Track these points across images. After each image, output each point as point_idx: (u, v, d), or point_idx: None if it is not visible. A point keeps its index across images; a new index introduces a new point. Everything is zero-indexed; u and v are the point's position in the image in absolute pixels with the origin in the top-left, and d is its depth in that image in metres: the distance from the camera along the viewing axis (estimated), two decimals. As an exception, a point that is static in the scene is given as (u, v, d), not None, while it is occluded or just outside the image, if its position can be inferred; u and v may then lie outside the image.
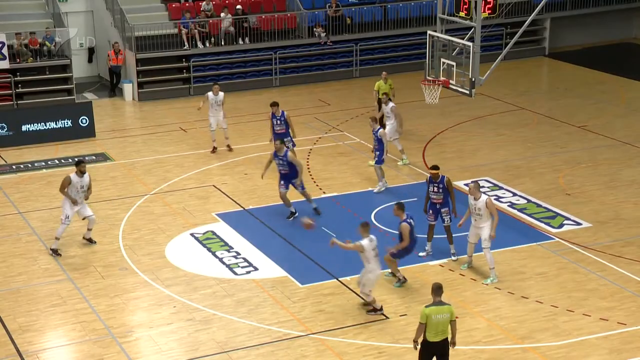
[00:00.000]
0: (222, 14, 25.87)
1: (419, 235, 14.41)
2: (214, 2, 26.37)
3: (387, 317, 13.34)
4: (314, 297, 13.99)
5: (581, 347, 12.48)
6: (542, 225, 16.43)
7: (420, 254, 15.11)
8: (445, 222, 15.05)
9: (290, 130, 18.89)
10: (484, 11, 17.53)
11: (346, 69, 27.13)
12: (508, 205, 17.34)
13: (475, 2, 17.48)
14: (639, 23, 30.60)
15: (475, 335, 12.79)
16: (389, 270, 14.39)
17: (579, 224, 16.46)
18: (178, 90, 25.61)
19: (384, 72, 21.34)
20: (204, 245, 15.89)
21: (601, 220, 16.58)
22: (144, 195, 18.09)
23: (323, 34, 26.55)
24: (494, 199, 17.59)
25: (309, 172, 19.33)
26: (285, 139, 17.90)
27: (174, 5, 26.35)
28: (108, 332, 13.08)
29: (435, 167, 15.14)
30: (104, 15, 26.39)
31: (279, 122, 18.82)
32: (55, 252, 15.44)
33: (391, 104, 19.40)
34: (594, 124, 22.16)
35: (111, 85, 25.71)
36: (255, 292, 14.07)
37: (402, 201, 14.39)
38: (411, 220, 13.80)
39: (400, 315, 13.36)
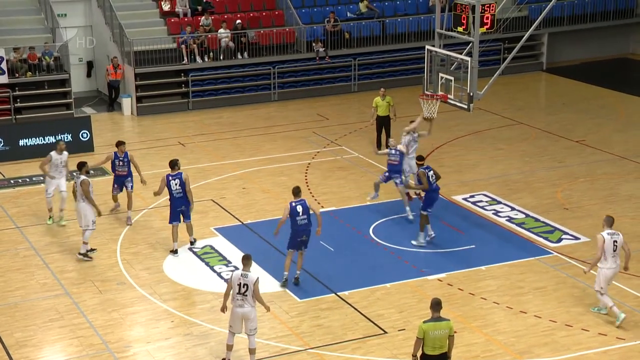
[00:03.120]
0: (221, 29, 25.96)
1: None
2: (212, 17, 26.47)
3: (385, 332, 13.32)
4: (313, 312, 13.98)
5: (580, 362, 12.48)
6: (541, 239, 16.44)
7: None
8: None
9: (136, 170, 17.37)
10: (482, 26, 17.58)
11: (344, 83, 27.20)
12: (506, 220, 17.36)
13: (473, 17, 17.54)
14: (635, 38, 30.73)
15: (473, 350, 12.78)
16: None
17: (577, 238, 16.48)
18: (176, 105, 25.66)
19: (381, 89, 21.39)
20: (202, 260, 15.88)
21: (599, 234, 16.58)
22: (142, 210, 18.09)
23: (322, 49, 26.64)
24: (492, 214, 17.66)
25: (307, 186, 19.35)
26: (127, 179, 17.23)
27: (172, 20, 26.45)
28: (106, 347, 13.05)
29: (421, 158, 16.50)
30: (103, 30, 26.49)
31: (121, 162, 17.23)
32: (85, 256, 15.77)
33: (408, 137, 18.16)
34: (592, 138, 22.22)
35: (110, 100, 25.76)
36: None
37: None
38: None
39: (399, 330, 13.35)
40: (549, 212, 17.63)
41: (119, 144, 17.50)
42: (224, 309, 12.30)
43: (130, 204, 17.44)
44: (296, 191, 14.55)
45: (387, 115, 21.15)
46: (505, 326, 13.45)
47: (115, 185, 17.57)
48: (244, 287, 11.99)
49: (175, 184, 15.79)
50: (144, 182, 17.39)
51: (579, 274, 15.03)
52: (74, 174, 16.50)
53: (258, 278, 12.12)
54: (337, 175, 20.07)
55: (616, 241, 13.09)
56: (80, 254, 15.81)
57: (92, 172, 20.42)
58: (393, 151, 17.41)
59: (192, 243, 16.29)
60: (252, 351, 12.29)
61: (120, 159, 17.33)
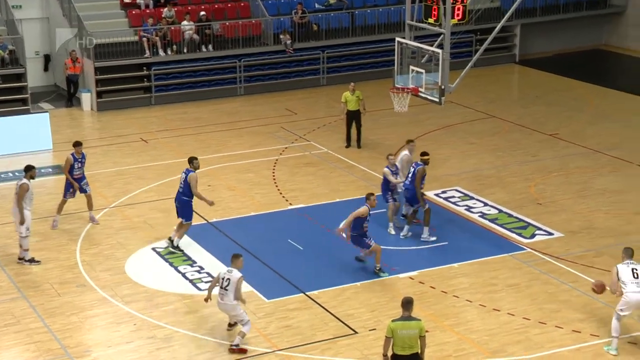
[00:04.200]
0: (185, 21, 25.78)
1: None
2: (175, 9, 26.28)
3: (355, 332, 13.32)
4: (281, 312, 13.94)
5: (554, 360, 12.58)
6: (514, 235, 16.55)
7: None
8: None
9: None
10: (453, 17, 17.65)
11: (313, 76, 27.16)
12: (479, 216, 17.45)
13: (444, 9, 17.61)
14: (608, 29, 31.07)
15: (446, 350, 12.82)
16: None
17: (550, 234, 16.61)
18: (139, 100, 25.45)
19: (351, 83, 21.36)
20: (165, 260, 15.76)
21: (573, 230, 16.75)
22: (103, 209, 17.91)
23: (289, 41, 26.58)
24: (465, 210, 17.74)
25: (275, 183, 19.29)
26: (83, 182, 16.87)
27: (134, 12, 26.21)
28: (64, 352, 12.90)
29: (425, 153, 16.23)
30: (61, 22, 26.15)
31: (79, 164, 16.81)
32: (31, 261, 15.42)
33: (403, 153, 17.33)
34: (565, 131, 22.41)
35: (68, 95, 25.47)
36: (219, 308, 13.96)
37: None
38: None
39: (370, 330, 13.35)
40: (522, 208, 17.76)
41: (77, 144, 17.06)
42: (207, 299, 12.95)
43: (91, 205, 17.23)
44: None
45: (357, 110, 21.16)
46: (478, 324, 13.51)
47: (71, 190, 17.02)
48: (226, 281, 12.62)
49: (181, 179, 15.89)
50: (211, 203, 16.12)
51: (552, 270, 15.16)
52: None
53: (242, 277, 12.66)
54: (305, 172, 20.04)
55: (636, 269, 12.50)
56: (20, 259, 15.41)
57: (51, 170, 20.27)
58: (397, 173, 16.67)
59: (170, 240, 15.97)
60: (240, 333, 12.80)
61: (79, 160, 16.97)
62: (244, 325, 12.76)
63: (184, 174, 15.89)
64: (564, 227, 16.84)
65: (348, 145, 21.33)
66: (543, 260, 15.56)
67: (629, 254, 12.77)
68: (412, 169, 16.21)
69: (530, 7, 29.37)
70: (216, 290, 12.89)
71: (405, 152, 17.20)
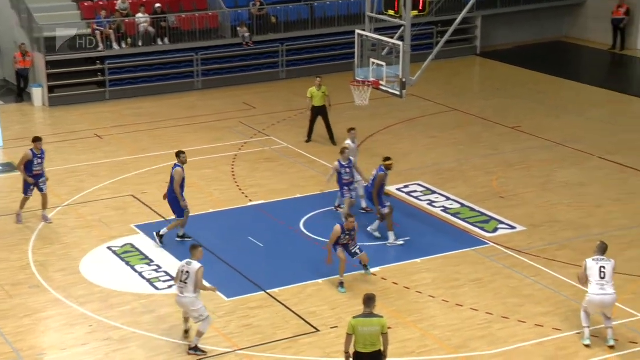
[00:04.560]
0: (139, 14, 25.54)
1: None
2: (130, 1, 26.02)
3: (317, 330, 13.32)
4: (241, 311, 13.90)
5: (516, 355, 12.70)
6: (476, 229, 16.69)
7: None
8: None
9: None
10: (414, 9, 17.71)
11: (272, 70, 27.09)
12: (441, 210, 17.56)
13: (405, 0, 17.66)
14: (569, 21, 31.45)
15: (409, 346, 12.89)
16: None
17: (513, 227, 16.78)
18: (92, 95, 25.17)
19: (317, 78, 21.25)
20: (122, 259, 15.62)
21: (535, 223, 16.93)
22: (56, 208, 17.69)
23: (247, 34, 26.47)
24: (427, 204, 17.85)
25: (234, 179, 19.22)
26: (41, 179, 16.71)
27: (86, 4, 25.91)
28: (17, 355, 12.73)
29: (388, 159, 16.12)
30: (9, 14, 25.76)
31: (39, 160, 16.64)
32: None
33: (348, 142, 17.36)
34: (527, 124, 22.65)
35: (18, 90, 25.10)
36: (177, 308, 13.85)
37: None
38: None
39: (332, 328, 13.37)
40: (485, 201, 17.91)
41: (36, 139, 16.80)
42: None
43: (46, 204, 17.02)
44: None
45: (323, 106, 21.10)
46: (441, 320, 13.60)
47: (31, 187, 16.84)
48: (185, 274, 12.46)
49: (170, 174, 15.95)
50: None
51: (515, 265, 15.32)
52: None
53: (201, 267, 12.47)
54: (265, 167, 19.99)
55: (604, 268, 12.45)
56: None
57: (1, 168, 19.96)
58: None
59: (159, 237, 15.98)
60: (198, 333, 12.65)
61: (38, 156, 16.76)
62: (203, 321, 12.60)
63: (172, 168, 15.85)
64: (526, 220, 17.02)
65: (308, 141, 21.31)
66: (506, 254, 15.71)
67: (601, 249, 12.62)
68: (374, 173, 16.06)
69: (491, -2, 29.64)
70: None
71: (347, 141, 17.29)
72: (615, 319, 13.13)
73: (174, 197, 15.83)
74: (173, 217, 16.24)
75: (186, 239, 15.98)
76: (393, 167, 16.22)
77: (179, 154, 15.96)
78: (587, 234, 16.17)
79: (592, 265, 12.58)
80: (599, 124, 22.74)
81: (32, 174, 16.66)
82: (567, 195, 18.22)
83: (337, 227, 14.36)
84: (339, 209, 17.07)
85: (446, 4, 26.66)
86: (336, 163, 16.56)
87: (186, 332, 13.05)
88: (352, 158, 16.80)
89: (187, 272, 12.47)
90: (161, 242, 15.94)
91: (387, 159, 16.13)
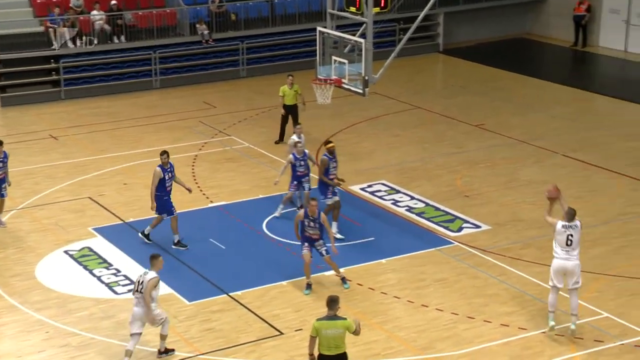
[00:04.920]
0: (94, 11, 25.31)
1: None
2: (84, -3, 25.81)
3: (281, 333, 13.32)
4: (203, 315, 13.85)
5: (482, 355, 12.81)
6: (441, 229, 16.81)
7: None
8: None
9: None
10: (376, 6, 17.77)
11: (232, 68, 27.02)
12: (406, 210, 17.66)
13: (366, -3, 17.70)
14: (532, 17, 31.81)
15: (374, 348, 12.94)
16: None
17: (478, 226, 16.93)
18: (47, 94, 24.90)
19: (289, 77, 21.14)
20: (79, 263, 15.48)
21: (500, 222, 17.11)
22: (10, 211, 17.47)
23: (206, 32, 26.37)
24: (391, 204, 17.93)
25: (195, 180, 19.13)
26: (3, 185, 16.55)
27: (39, 1, 25.61)
28: (-28, 364, 12.57)
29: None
30: (-40, 12, 25.40)
31: (1, 164, 16.60)
32: None
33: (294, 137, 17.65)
34: (491, 122, 22.86)
35: (-30, 90, 24.77)
36: (134, 317, 13.76)
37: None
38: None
39: (296, 330, 13.38)
40: (449, 200, 18.05)
41: None
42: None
43: (2, 208, 16.83)
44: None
45: (294, 105, 21.03)
46: (407, 321, 13.68)
47: (3, 185, 16.65)
48: (140, 285, 12.29)
49: None
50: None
51: (480, 264, 15.46)
52: None
53: (155, 278, 12.29)
54: (226, 168, 19.93)
55: (571, 236, 12.78)
56: None
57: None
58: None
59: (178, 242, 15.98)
60: (162, 337, 12.56)
61: (0, 159, 16.58)
62: (163, 324, 12.49)
63: None
64: (490, 219, 17.19)
65: (279, 141, 21.12)
66: (470, 253, 15.85)
67: (570, 214, 12.87)
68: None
69: (453, -6, 29.85)
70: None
71: (293, 137, 17.50)
72: (580, 317, 13.31)
73: (157, 195, 15.73)
74: (131, 219, 16.12)
75: (181, 247, 15.95)
76: (336, 150, 16.42)
77: (160, 154, 15.91)
78: (551, 232, 16.36)
79: (561, 232, 12.90)
80: (562, 121, 23.04)
81: None
82: (530, 194, 18.43)
83: (301, 211, 14.52)
84: (301, 209, 17.09)
85: (408, 0, 26.86)
86: (290, 156, 16.80)
87: (160, 352, 12.68)
88: (306, 151, 16.99)
89: (142, 282, 12.25)
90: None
91: (328, 142, 16.45)
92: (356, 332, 10.97)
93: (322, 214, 14.35)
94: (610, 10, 29.63)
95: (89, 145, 21.37)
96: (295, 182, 16.86)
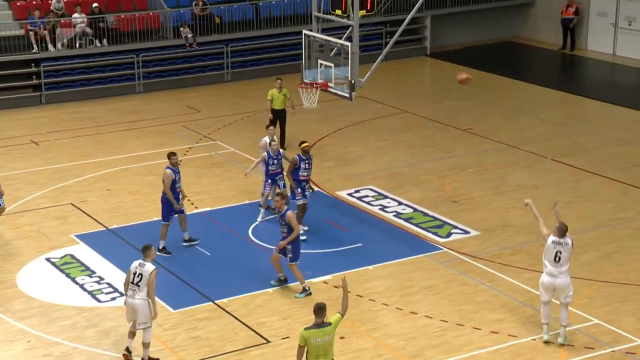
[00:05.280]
0: (76, 14, 25.24)
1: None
2: (65, 0, 25.70)
3: (267, 341, 13.31)
4: (188, 323, 13.82)
5: (473, 362, 12.86)
6: (430, 235, 16.85)
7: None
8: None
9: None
10: (362, 9, 17.82)
11: (217, 72, 27.01)
12: (394, 215, 17.69)
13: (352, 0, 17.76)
14: (520, 20, 31.97)
15: (362, 356, 12.95)
16: (277, 279, 14.72)
17: (467, 232, 16.98)
18: (27, 99, 24.80)
19: (278, 80, 21.13)
20: (61, 271, 15.42)
21: (489, 227, 17.17)
22: (-10, 218, 17.38)
23: (190, 35, 26.35)
24: (379, 209, 17.96)
25: (179, 185, 19.09)
26: None
27: (18, 4, 25.53)
28: (-48, 375, 12.48)
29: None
30: (-62, 15, 25.27)
31: None
32: None
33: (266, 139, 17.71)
34: (479, 126, 22.95)
35: (-51, 94, 24.64)
36: (121, 321, 13.72)
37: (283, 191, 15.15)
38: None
39: (282, 339, 13.37)
40: (438, 206, 18.09)
41: None
42: (126, 301, 12.60)
43: None
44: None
45: (283, 109, 21.02)
46: (396, 329, 13.70)
47: None
48: (138, 276, 12.34)
49: None
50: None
51: (469, 270, 15.50)
52: None
53: (155, 270, 12.38)
54: (211, 173, 19.91)
55: (560, 252, 12.80)
56: None
57: None
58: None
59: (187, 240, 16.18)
60: (145, 345, 12.54)
61: None
62: (146, 330, 12.45)
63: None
64: (480, 225, 17.24)
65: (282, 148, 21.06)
66: (460, 259, 15.89)
67: (561, 231, 12.84)
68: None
69: (440, -3, 29.95)
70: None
71: (265, 138, 17.63)
72: (571, 323, 13.38)
73: (165, 199, 15.77)
74: (115, 225, 16.05)
75: (193, 242, 16.17)
76: (310, 150, 16.64)
77: (169, 156, 15.93)
78: (541, 238, 16.40)
79: (550, 248, 12.92)
80: (551, 125, 23.16)
81: None
82: (520, 199, 18.38)
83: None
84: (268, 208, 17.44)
85: (395, 3, 26.94)
86: (264, 153, 17.00)
87: (128, 351, 12.75)
88: (281, 150, 17.26)
89: (140, 274, 12.32)
90: (168, 253, 15.86)
91: (302, 142, 16.67)
92: (344, 307, 11.07)
93: (290, 213, 14.36)
94: (598, 14, 29.85)
95: (70, 150, 21.29)
96: (269, 181, 17.11)
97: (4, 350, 13.07)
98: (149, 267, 12.35)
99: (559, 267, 12.89)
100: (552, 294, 13.08)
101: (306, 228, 16.46)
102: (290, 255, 14.44)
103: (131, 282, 12.39)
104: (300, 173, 16.35)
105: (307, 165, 16.44)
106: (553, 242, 12.93)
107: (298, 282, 14.65)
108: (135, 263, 12.49)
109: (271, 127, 17.98)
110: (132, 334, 12.75)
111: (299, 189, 16.38)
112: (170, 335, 13.47)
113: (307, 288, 14.53)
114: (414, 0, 28.23)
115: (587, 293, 14.70)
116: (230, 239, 16.64)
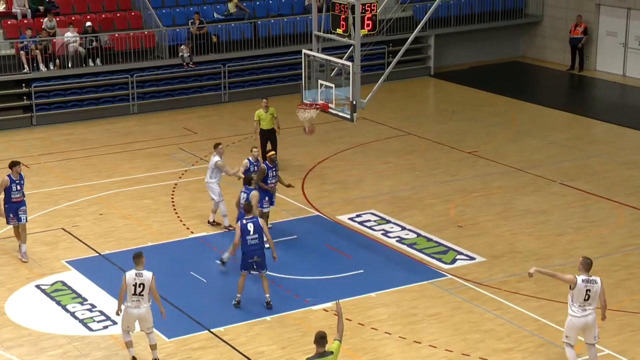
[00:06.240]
0: (68, 33, 25.40)
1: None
2: (57, 19, 25.88)
3: (266, 372, 13.31)
4: (183, 353, 13.81)
5: (479, 393, 12.84)
6: (434, 261, 16.86)
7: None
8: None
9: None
10: (363, 28, 17.93)
11: (214, 92, 27.14)
12: (397, 241, 17.71)
13: (354, 18, 17.87)
14: (525, 40, 32.15)
15: (364, 387, 12.94)
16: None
17: (472, 258, 16.99)
18: (18, 120, 24.91)
19: (264, 100, 21.32)
20: (52, 299, 15.42)
21: (495, 254, 17.19)
22: (-22, 243, 17.41)
23: (187, 55, 26.49)
24: (381, 234, 17.99)
25: (175, 209, 19.13)
26: (21, 208, 16.50)
27: (9, 22, 25.70)
28: (-63, 406, 12.45)
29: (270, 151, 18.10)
30: None
31: (18, 187, 16.53)
32: None
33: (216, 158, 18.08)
34: (485, 149, 23.03)
35: (-63, 115, 24.74)
36: (113, 350, 13.73)
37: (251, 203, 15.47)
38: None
39: (281, 369, 13.37)
40: (442, 231, 18.12)
41: (14, 164, 16.71)
42: (119, 311, 13.14)
43: (25, 236, 16.77)
44: (247, 209, 15.10)
45: (272, 129, 21.15)
46: (398, 358, 13.69)
47: (11, 215, 16.62)
48: (139, 287, 12.92)
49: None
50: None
51: (475, 298, 15.50)
52: None
53: (153, 274, 13.06)
54: (207, 197, 19.87)
55: (589, 290, 12.70)
56: None
57: None
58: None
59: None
60: (153, 347, 13.23)
61: (17, 182, 16.61)
62: (151, 333, 13.14)
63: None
64: (485, 251, 17.26)
65: None
66: (465, 287, 15.89)
67: (586, 266, 12.77)
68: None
69: (444, 16, 30.14)
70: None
71: (215, 157, 18.03)
72: (580, 354, 13.34)
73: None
74: (107, 251, 16.00)
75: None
76: (276, 158, 17.60)
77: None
78: (549, 264, 16.45)
79: (581, 287, 12.72)
80: (559, 148, 23.23)
81: (12, 201, 16.52)
82: (527, 224, 18.53)
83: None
84: (230, 228, 17.83)
85: (397, 22, 27.11)
86: (245, 160, 17.92)
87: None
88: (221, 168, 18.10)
89: (142, 284, 12.87)
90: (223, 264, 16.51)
91: (269, 151, 17.88)
92: (340, 331, 11.17)
93: (262, 220, 15.07)
94: (607, 33, 30.02)
95: (62, 173, 21.35)
96: (266, 198, 17.42)
97: (-9, 381, 13.07)
98: (147, 274, 12.96)
99: (587, 305, 12.74)
100: (577, 336, 12.91)
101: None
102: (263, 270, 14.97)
103: (133, 294, 12.89)
104: (269, 180, 17.33)
105: (273, 172, 17.39)
106: (584, 281, 12.76)
107: (296, 310, 14.65)
108: (132, 274, 12.98)
109: (219, 146, 18.30)
110: (130, 343, 13.23)
111: (267, 197, 17.21)
112: (165, 365, 13.47)
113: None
114: (417, 19, 28.45)
115: (597, 322, 14.66)
116: (227, 265, 16.63)
